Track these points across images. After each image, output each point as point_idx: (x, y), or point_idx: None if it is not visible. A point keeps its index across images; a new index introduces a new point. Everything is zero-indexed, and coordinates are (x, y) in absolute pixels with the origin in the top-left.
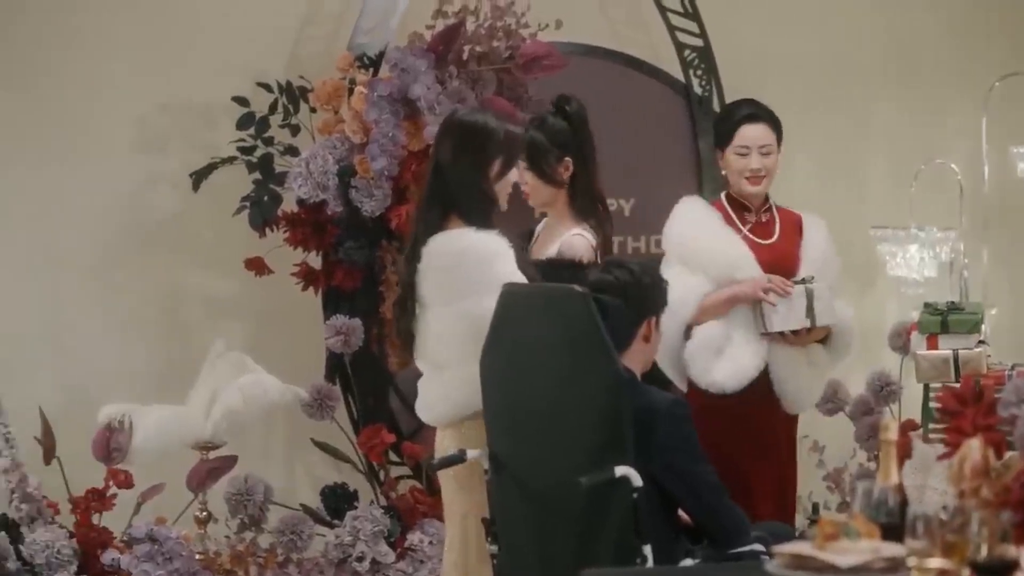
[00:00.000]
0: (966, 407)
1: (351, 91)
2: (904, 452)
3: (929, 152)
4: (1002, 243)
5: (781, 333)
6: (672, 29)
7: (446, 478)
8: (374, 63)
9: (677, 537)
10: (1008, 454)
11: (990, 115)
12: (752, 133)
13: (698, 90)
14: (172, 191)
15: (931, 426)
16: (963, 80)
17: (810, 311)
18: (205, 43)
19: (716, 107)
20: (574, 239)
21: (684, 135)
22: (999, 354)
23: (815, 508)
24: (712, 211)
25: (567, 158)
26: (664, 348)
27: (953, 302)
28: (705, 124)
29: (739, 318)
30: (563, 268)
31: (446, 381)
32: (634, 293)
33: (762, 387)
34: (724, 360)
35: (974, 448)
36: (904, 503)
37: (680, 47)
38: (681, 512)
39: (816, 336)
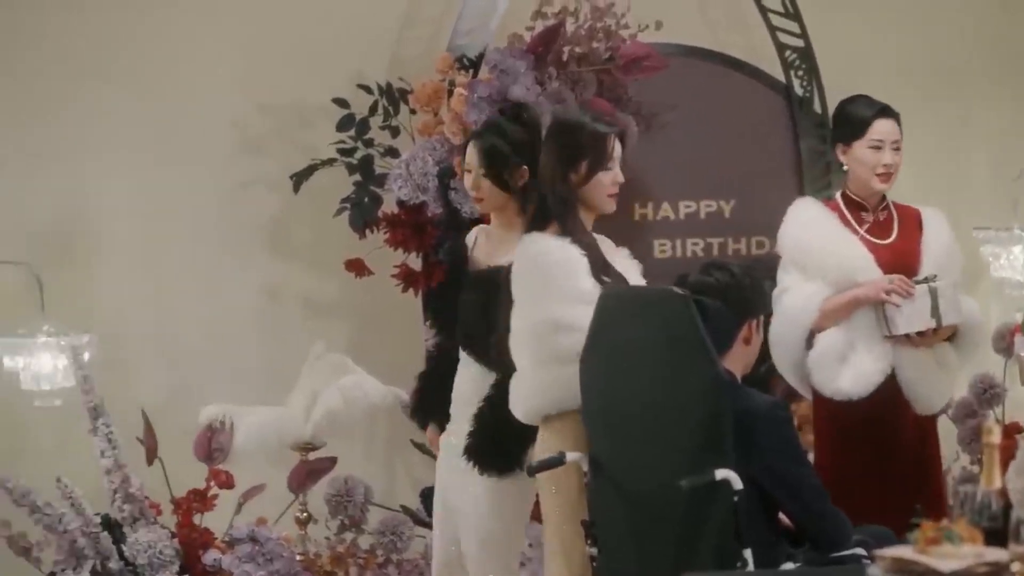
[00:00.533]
0: None
1: (451, 93)
2: (1008, 455)
3: None
4: None
5: (907, 335)
6: (773, 29)
7: (544, 481)
8: (474, 64)
9: (778, 541)
10: None
11: None
12: (886, 128)
13: (799, 91)
14: (272, 193)
15: None
16: None
17: (935, 310)
18: (305, 45)
19: (817, 108)
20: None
21: (785, 136)
22: None
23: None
24: (827, 212)
25: (524, 166)
26: (786, 356)
27: None
28: (806, 125)
29: (861, 322)
30: None
31: (519, 382)
32: (734, 295)
33: (890, 391)
34: (848, 366)
35: None
36: (1008, 507)
37: (781, 47)
38: (782, 515)
39: (943, 335)
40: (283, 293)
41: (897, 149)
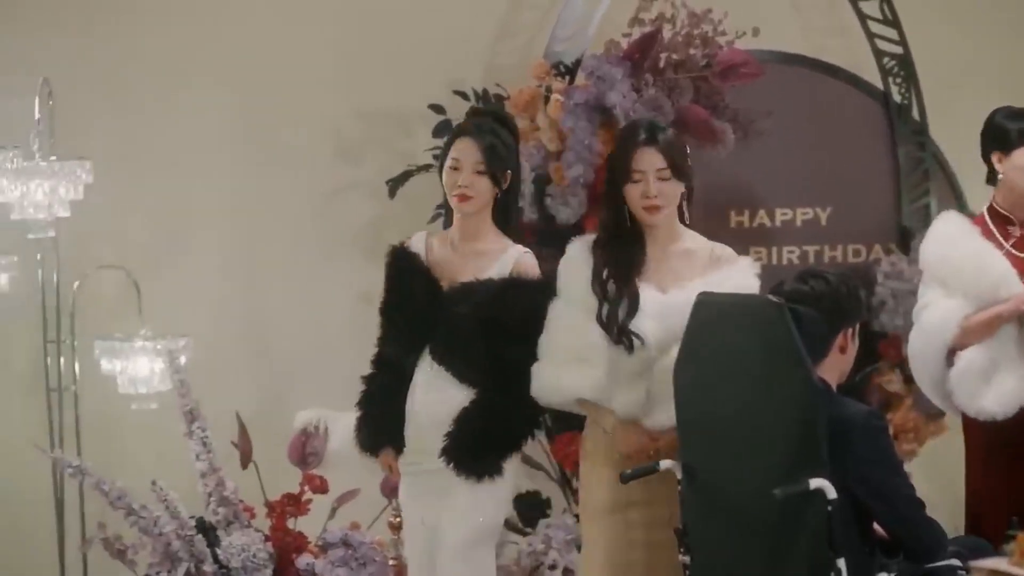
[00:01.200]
0: None
1: (547, 99)
2: None
3: None
4: None
5: None
6: (871, 36)
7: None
8: (570, 71)
9: (872, 551)
10: None
11: None
12: None
13: (897, 98)
14: (368, 198)
15: None
16: None
17: None
18: (402, 52)
19: (915, 115)
20: (527, 258)
21: (883, 143)
22: None
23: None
24: (971, 227)
25: (509, 171)
26: (925, 373)
27: None
28: (904, 132)
29: (1005, 340)
30: (530, 287)
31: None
32: (830, 304)
33: None
34: (991, 385)
35: None
36: None
37: (879, 54)
38: (876, 525)
39: None
40: (378, 299)
41: None
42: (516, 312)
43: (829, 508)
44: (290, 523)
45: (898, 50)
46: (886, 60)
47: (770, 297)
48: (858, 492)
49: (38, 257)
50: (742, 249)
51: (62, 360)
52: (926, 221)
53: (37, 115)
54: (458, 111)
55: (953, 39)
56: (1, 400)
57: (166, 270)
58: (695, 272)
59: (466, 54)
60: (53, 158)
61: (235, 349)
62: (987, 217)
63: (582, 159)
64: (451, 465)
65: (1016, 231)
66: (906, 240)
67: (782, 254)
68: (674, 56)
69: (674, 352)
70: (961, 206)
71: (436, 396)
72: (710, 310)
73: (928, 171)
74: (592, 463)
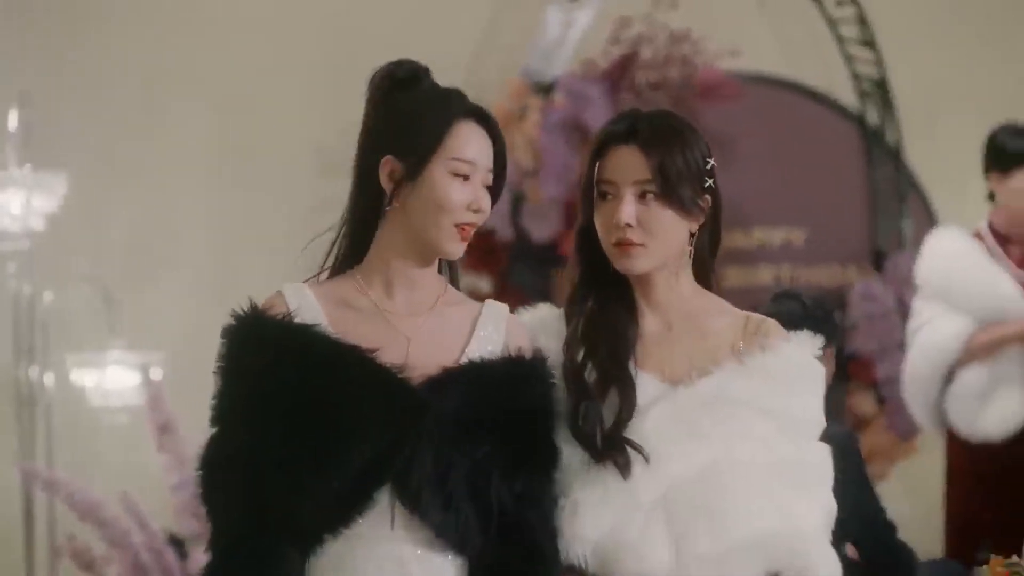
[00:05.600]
0: None
1: (524, 117)
2: None
3: None
4: None
5: None
6: (848, 58)
7: None
8: (548, 89)
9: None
10: None
11: None
12: None
13: (873, 120)
14: None
15: None
16: None
17: None
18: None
19: (891, 138)
20: (517, 319)
21: (858, 165)
22: None
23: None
24: (975, 245)
25: None
26: (920, 392)
27: None
28: (879, 154)
29: (1008, 361)
30: (543, 374)
31: None
32: (805, 326)
33: None
34: (991, 406)
35: None
36: None
37: (856, 76)
38: (849, 547)
39: None
40: None
41: None
42: (538, 418)
43: None
44: None
45: (875, 72)
46: (863, 83)
47: None
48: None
49: (11, 269)
50: (718, 270)
51: (35, 372)
52: (901, 243)
53: (14, 126)
54: None
55: (930, 61)
56: None
57: (142, 284)
58: (720, 353)
59: (446, 72)
60: (28, 166)
61: (211, 363)
62: (988, 236)
63: (558, 178)
64: None
65: (1016, 251)
66: (880, 262)
67: (757, 275)
68: (653, 76)
69: (696, 464)
70: (936, 228)
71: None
72: None
73: (903, 193)
74: None
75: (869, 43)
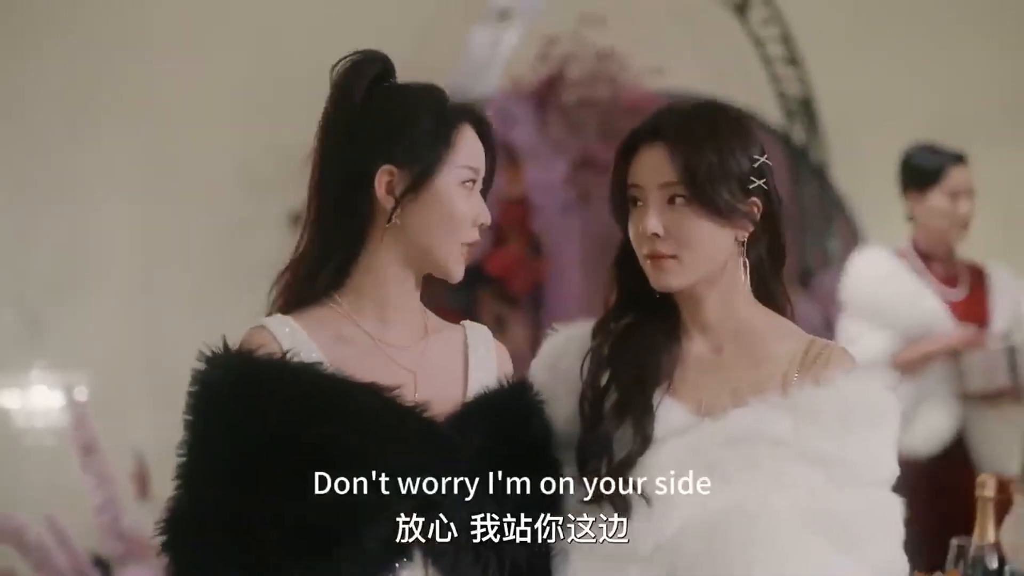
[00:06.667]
0: None
1: None
2: (1003, 509)
3: None
4: None
5: (982, 395)
6: (774, 77)
7: None
8: None
9: None
10: None
11: None
12: (964, 177)
13: (799, 139)
14: (271, 231)
15: None
16: None
17: (1012, 369)
18: (310, 86)
19: (817, 156)
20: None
21: (784, 184)
22: None
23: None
24: (898, 263)
25: None
26: None
27: None
28: (805, 173)
29: (933, 377)
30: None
31: None
32: None
33: (958, 450)
34: (916, 423)
35: None
36: (1003, 562)
37: (782, 95)
38: None
39: (1019, 397)
40: None
41: (970, 199)
42: (543, 452)
43: None
44: None
45: (801, 91)
46: (788, 101)
47: None
48: None
49: None
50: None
51: None
52: (827, 261)
53: None
54: None
55: (855, 80)
56: None
57: (66, 303)
58: (770, 382)
59: None
60: None
61: (137, 383)
62: (912, 254)
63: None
64: None
65: (938, 268)
66: (806, 280)
67: None
68: (579, 95)
69: (711, 509)
70: (861, 247)
71: None
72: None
73: (829, 212)
74: None
75: (794, 62)
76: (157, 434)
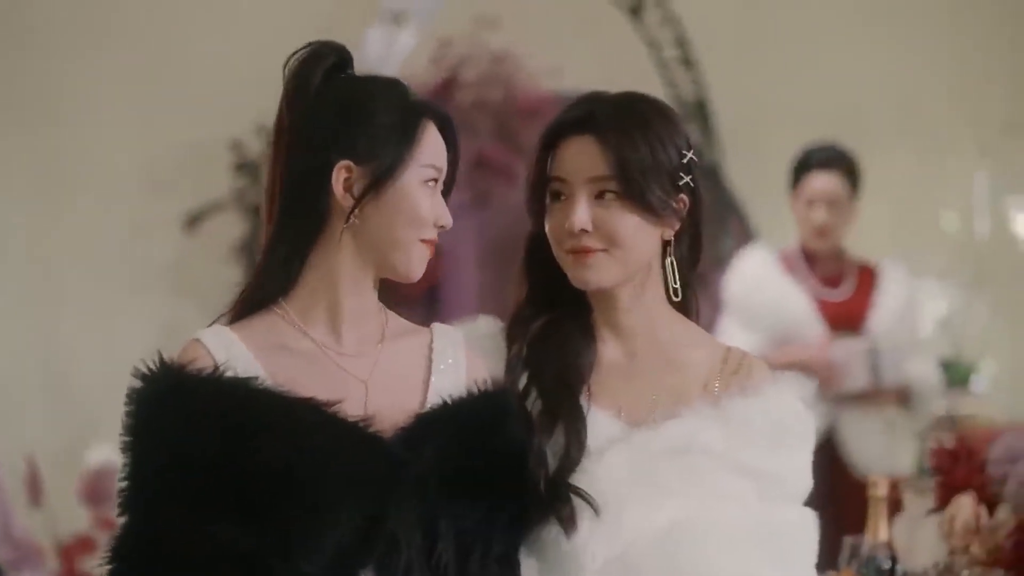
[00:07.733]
0: (958, 463)
1: None
2: (894, 508)
3: (931, 205)
4: (1000, 296)
5: (850, 395)
6: (669, 81)
7: None
8: None
9: None
10: (1000, 512)
11: (990, 168)
12: (820, 184)
13: (694, 140)
14: (171, 233)
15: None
16: (963, 132)
17: (874, 370)
18: (208, 86)
19: (711, 158)
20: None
21: None
22: (997, 410)
23: None
24: (774, 264)
25: None
26: None
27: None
28: (699, 173)
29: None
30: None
31: None
32: None
33: (828, 452)
34: None
35: (965, 505)
36: (895, 560)
37: (677, 99)
38: None
39: (890, 397)
40: (181, 335)
41: (835, 205)
42: (517, 464)
43: None
44: (85, 564)
45: (695, 93)
46: (683, 104)
47: None
48: None
49: None
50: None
51: None
52: (720, 263)
53: None
54: (264, 147)
55: (749, 82)
56: None
57: None
58: (691, 392)
59: (272, 92)
60: None
61: (33, 386)
62: (797, 253)
63: None
64: None
65: (825, 267)
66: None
67: None
68: (474, 96)
69: (660, 521)
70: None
71: None
72: None
73: (723, 213)
74: None
75: (689, 63)
76: (56, 438)
